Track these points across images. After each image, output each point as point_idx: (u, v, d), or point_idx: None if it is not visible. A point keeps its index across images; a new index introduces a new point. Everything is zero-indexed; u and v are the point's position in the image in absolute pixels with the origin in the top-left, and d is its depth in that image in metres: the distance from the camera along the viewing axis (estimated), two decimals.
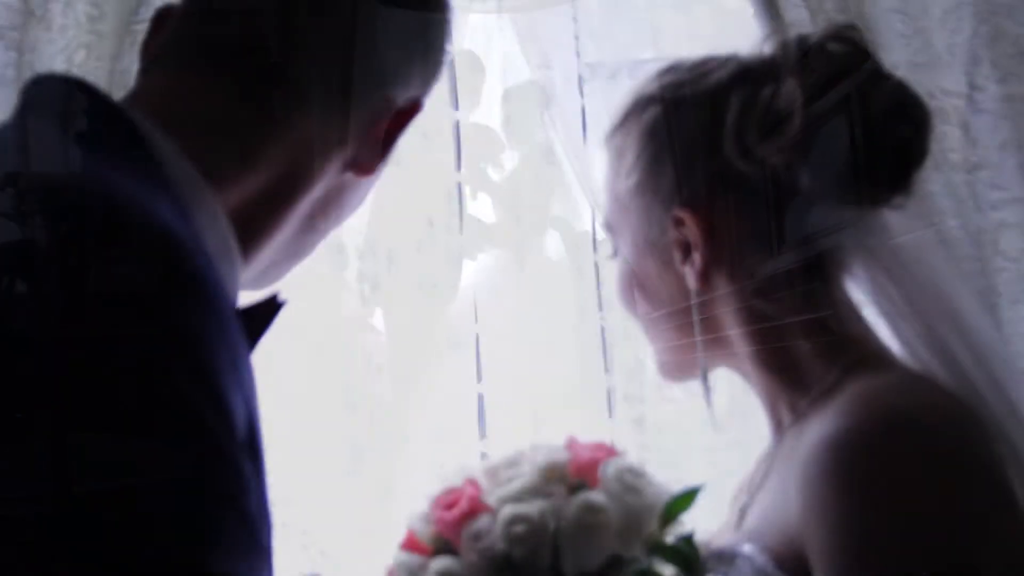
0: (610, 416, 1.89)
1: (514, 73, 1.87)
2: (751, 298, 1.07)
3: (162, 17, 0.97)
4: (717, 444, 1.78)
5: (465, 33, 1.85)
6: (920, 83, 1.72)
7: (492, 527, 1.06)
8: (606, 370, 1.86)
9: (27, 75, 1.56)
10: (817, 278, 1.07)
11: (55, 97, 0.85)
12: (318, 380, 1.81)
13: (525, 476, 1.08)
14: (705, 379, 1.13)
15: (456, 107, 1.85)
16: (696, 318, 1.09)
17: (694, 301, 1.09)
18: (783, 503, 1.00)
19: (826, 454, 0.94)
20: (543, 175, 1.86)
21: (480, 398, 1.84)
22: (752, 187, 1.06)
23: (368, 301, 1.85)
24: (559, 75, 1.87)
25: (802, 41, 1.08)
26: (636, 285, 1.14)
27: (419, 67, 0.99)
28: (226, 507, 0.67)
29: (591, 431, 1.79)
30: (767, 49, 1.09)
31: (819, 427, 0.98)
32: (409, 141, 1.79)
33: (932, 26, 1.75)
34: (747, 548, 1.00)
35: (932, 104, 1.72)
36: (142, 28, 1.55)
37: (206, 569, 0.64)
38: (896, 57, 1.74)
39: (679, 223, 1.09)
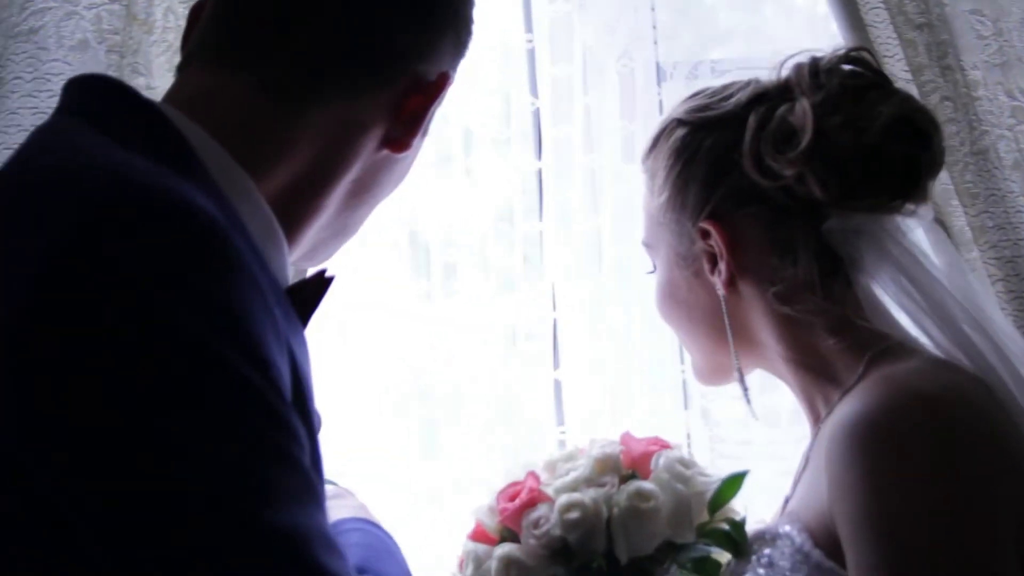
0: (685, 408, 1.91)
1: (595, 66, 1.89)
2: (776, 303, 1.14)
3: (196, 11, 1.00)
4: (782, 438, 1.80)
5: (544, 24, 1.87)
6: (999, 83, 1.72)
7: (549, 515, 1.12)
8: (681, 361, 1.88)
9: (129, 77, 1.65)
10: (837, 280, 1.13)
11: (93, 96, 0.90)
12: (391, 367, 1.85)
13: (580, 468, 1.14)
14: (742, 380, 1.20)
15: (535, 95, 1.88)
16: (726, 323, 1.17)
17: (723, 307, 1.17)
18: (816, 484, 1.06)
19: (847, 433, 1.00)
20: (621, 166, 1.88)
21: (557, 385, 1.88)
22: (770, 199, 1.14)
23: (444, 288, 1.89)
24: (639, 69, 1.90)
25: (815, 63, 1.16)
26: (671, 295, 1.23)
27: (447, 41, 0.99)
28: (283, 462, 0.72)
29: (666, 419, 1.82)
30: (784, 72, 1.18)
31: (842, 409, 1.05)
32: (488, 128, 1.84)
33: (1011, 27, 1.74)
34: (786, 528, 1.06)
35: (1011, 104, 1.72)
36: None
37: (269, 521, 0.70)
38: (975, 58, 1.73)
39: (705, 235, 1.17)
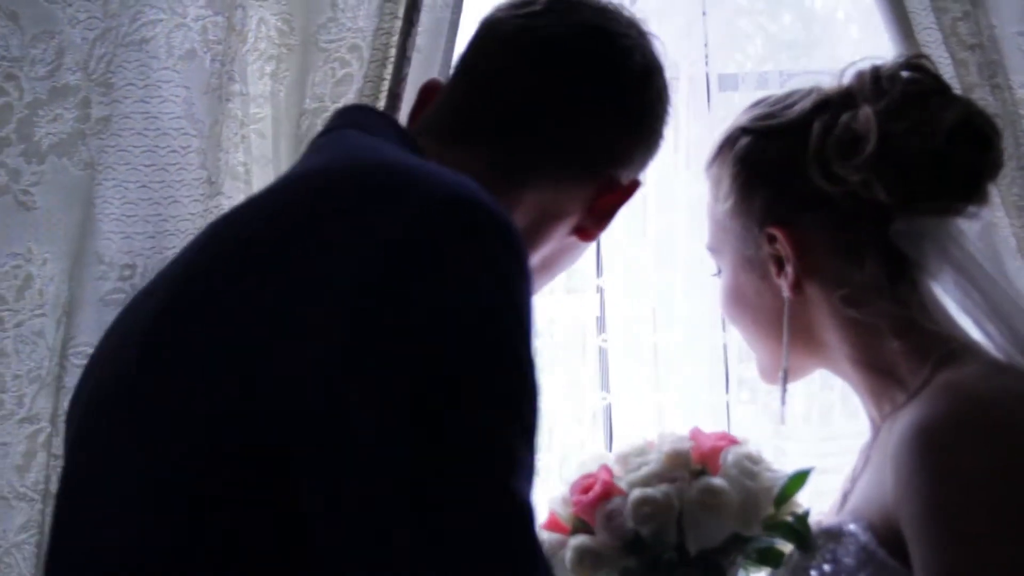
0: (726, 391, 1.97)
1: None
2: (843, 305, 1.18)
3: (428, 90, 1.17)
4: (823, 435, 1.90)
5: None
6: None
7: (623, 508, 1.21)
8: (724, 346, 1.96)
9: (226, 84, 1.77)
10: (903, 283, 1.18)
11: (376, 123, 1.06)
12: None
13: (652, 463, 1.23)
14: (784, 381, 1.25)
15: None
16: (785, 325, 1.21)
17: (787, 310, 1.21)
18: (879, 485, 1.11)
19: (914, 437, 1.06)
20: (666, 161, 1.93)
21: (602, 351, 1.95)
22: (836, 203, 1.18)
23: None
24: (685, 82, 1.97)
25: (876, 70, 1.21)
26: (737, 298, 1.27)
27: (641, 151, 1.16)
28: (530, 445, 0.85)
29: (708, 400, 1.90)
30: (845, 80, 1.23)
31: (910, 414, 1.10)
32: None
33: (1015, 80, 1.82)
34: (852, 526, 1.12)
35: None
36: (330, 44, 1.76)
37: (518, 491, 0.82)
38: (1022, 77, 1.83)
39: (772, 239, 1.21)
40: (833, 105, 1.20)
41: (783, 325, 1.21)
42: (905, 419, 1.10)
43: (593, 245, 1.87)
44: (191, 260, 1.00)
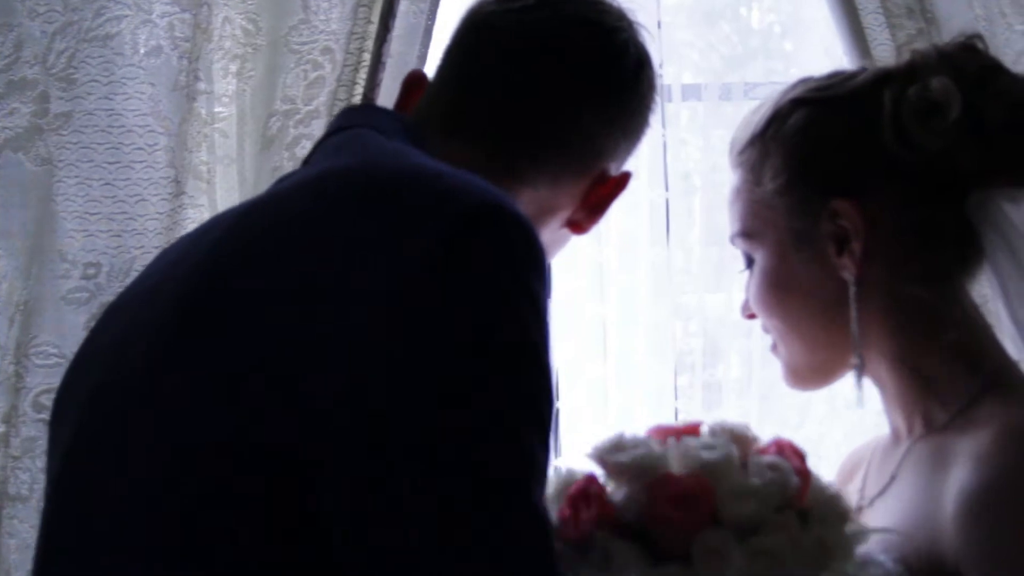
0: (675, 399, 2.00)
1: None
2: (909, 285, 1.11)
3: (414, 81, 1.16)
4: None
5: None
6: None
7: (727, 550, 1.00)
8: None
9: (192, 81, 1.75)
10: (970, 271, 1.13)
11: (391, 126, 1.05)
12: None
13: (753, 500, 1.02)
14: (861, 374, 1.14)
15: None
16: (853, 310, 1.12)
17: (853, 293, 1.11)
18: (925, 521, 1.05)
19: (994, 496, 1.00)
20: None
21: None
22: (908, 175, 1.11)
23: None
24: None
25: (935, 47, 1.18)
26: (782, 284, 1.16)
27: (632, 142, 1.16)
28: (548, 450, 0.85)
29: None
30: (903, 57, 1.19)
31: (973, 461, 1.02)
32: None
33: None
34: (881, 557, 1.06)
35: None
36: (302, 46, 1.75)
37: (534, 496, 0.82)
38: None
39: (834, 215, 1.12)
40: (897, 78, 1.14)
41: (833, 313, 1.13)
42: (969, 466, 1.02)
43: None
44: (205, 256, 0.96)
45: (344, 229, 0.88)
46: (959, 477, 1.03)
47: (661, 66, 1.91)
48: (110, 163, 1.73)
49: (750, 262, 1.20)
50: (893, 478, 1.14)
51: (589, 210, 1.14)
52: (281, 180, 1.07)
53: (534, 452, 0.84)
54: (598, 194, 1.13)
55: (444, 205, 0.88)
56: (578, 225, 1.15)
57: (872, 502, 1.17)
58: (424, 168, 0.95)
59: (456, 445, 0.81)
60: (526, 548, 0.81)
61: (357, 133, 1.04)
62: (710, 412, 1.93)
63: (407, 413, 0.81)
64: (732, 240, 1.22)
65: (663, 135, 1.96)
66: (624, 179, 1.16)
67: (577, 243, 1.66)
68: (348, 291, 0.84)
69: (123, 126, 1.73)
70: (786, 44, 2.25)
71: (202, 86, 1.76)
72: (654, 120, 1.17)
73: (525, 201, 1.06)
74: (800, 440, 1.10)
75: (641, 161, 1.91)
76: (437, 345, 0.83)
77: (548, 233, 1.11)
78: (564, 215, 1.13)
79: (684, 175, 2.04)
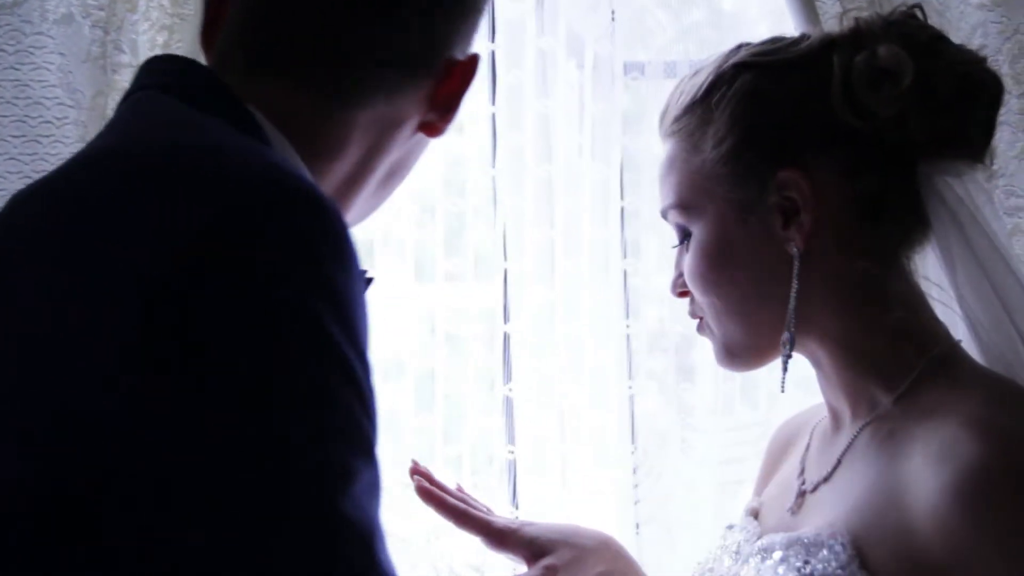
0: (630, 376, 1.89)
1: (553, 68, 1.88)
2: (858, 258, 1.07)
3: (214, 5, 0.99)
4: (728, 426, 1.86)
5: (501, 27, 1.87)
6: None
7: None
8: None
9: (112, 54, 1.66)
10: (917, 245, 1.10)
11: (176, 74, 0.92)
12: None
13: None
14: (790, 354, 1.09)
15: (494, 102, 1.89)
16: (794, 286, 1.08)
17: (795, 267, 1.07)
18: (885, 510, 1.02)
19: (971, 489, 0.96)
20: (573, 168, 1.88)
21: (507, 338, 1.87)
22: (857, 144, 1.07)
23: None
24: (592, 71, 1.89)
25: (878, 15, 1.12)
26: (724, 258, 1.11)
27: (471, 24, 1.01)
28: (367, 454, 0.75)
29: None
30: (846, 24, 1.13)
31: (947, 456, 0.98)
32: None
33: (960, 42, 1.83)
34: (831, 542, 1.03)
35: None
36: None
37: (343, 507, 0.72)
38: None
39: (783, 186, 1.08)
40: (843, 44, 1.10)
41: (775, 288, 1.08)
42: (934, 459, 0.99)
43: (499, 230, 1.85)
44: None
45: (113, 220, 0.79)
46: (935, 472, 0.99)
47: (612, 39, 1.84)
48: (15, 136, 1.64)
49: (684, 236, 1.14)
50: (839, 463, 1.10)
51: (442, 109, 1.00)
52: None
53: (341, 460, 0.74)
54: (447, 89, 0.99)
55: (217, 186, 0.78)
56: (433, 127, 1.00)
57: (816, 488, 1.12)
58: (203, 144, 0.83)
59: (243, 461, 0.72)
60: (335, 565, 0.72)
61: (147, 97, 0.91)
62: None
63: (179, 427, 0.73)
64: (664, 214, 1.16)
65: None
66: (471, 64, 1.00)
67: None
68: (106, 290, 0.76)
69: (29, 98, 1.65)
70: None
71: (126, 58, 1.68)
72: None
73: (365, 127, 0.95)
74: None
75: None
76: (202, 350, 0.73)
77: (399, 145, 0.99)
78: (414, 123, 0.99)
79: None
